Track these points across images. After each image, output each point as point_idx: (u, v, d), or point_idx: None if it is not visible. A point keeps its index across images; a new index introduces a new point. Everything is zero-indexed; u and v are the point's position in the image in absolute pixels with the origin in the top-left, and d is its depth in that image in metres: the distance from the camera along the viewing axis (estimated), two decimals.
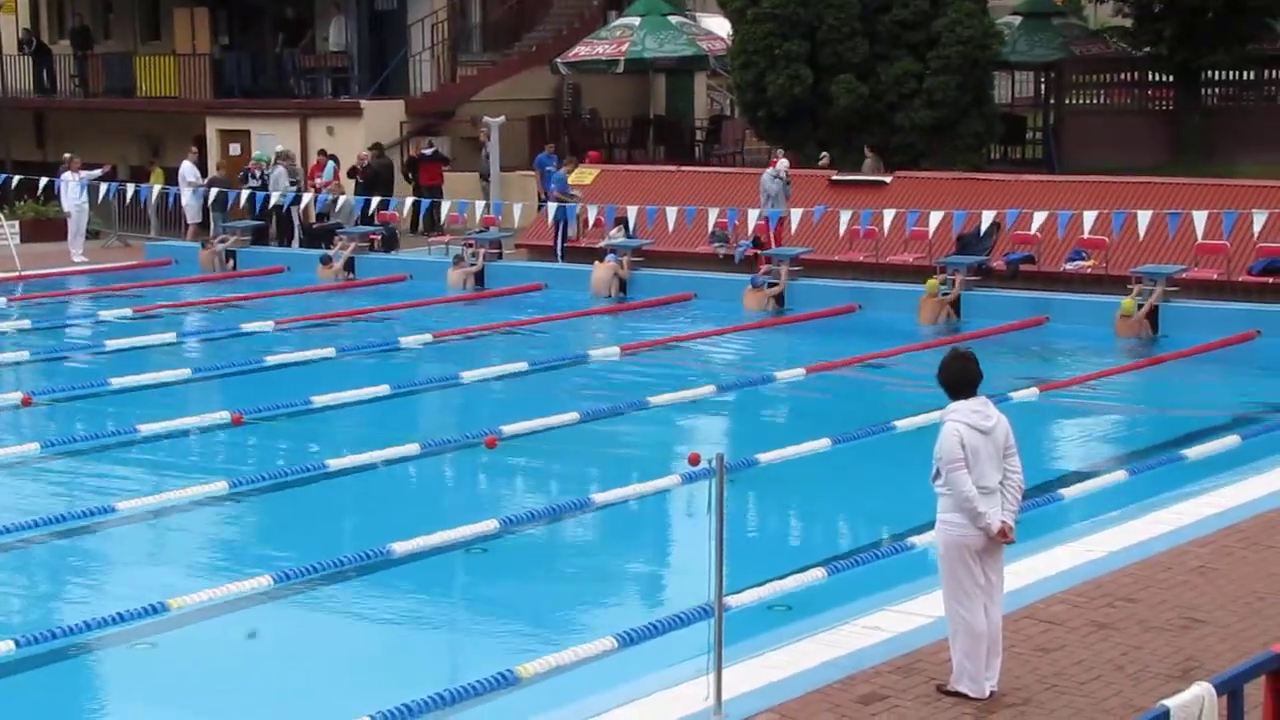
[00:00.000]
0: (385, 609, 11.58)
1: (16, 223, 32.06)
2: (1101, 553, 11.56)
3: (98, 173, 31.59)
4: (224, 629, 10.94)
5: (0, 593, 11.99)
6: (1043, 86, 38.09)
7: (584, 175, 30.13)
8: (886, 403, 17.77)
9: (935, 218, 23.94)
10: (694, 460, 13.56)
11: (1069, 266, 24.69)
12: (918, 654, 9.55)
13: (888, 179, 27.94)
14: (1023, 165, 34.37)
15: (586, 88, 38.79)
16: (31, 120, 42.52)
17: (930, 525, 9.21)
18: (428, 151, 34.09)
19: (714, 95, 43.62)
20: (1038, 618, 10.19)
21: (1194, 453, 15.08)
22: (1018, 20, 35.28)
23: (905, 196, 26.56)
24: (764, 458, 14.81)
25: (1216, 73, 34.94)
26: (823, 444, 15.39)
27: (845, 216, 24.70)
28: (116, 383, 18.66)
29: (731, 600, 9.93)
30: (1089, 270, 24.46)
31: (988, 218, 24.30)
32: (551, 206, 27.39)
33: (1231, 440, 15.59)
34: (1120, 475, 14.38)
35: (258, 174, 31.64)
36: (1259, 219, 21.96)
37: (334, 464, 14.97)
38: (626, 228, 27.11)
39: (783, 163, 27.46)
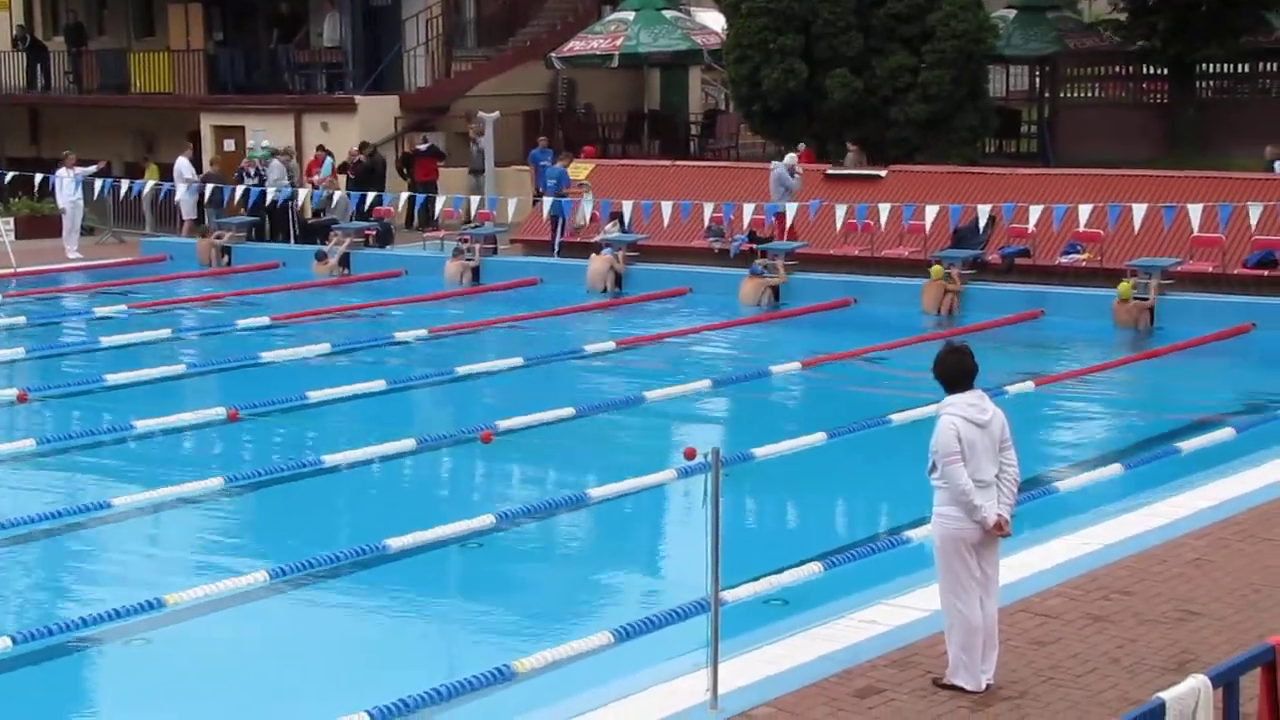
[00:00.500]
0: (381, 604, 11.57)
1: (11, 219, 31.98)
2: (1097, 545, 11.56)
3: (93, 169, 31.59)
4: (220, 625, 10.94)
5: None
6: (1037, 80, 38.11)
7: (578, 170, 30.12)
8: (882, 397, 17.77)
9: (931, 212, 23.94)
10: (689, 455, 13.64)
11: (1064, 260, 24.69)
12: (914, 648, 9.55)
13: (883, 173, 27.95)
14: (1018, 159, 34.41)
15: (581, 82, 38.78)
16: (26, 117, 42.51)
17: (926, 519, 9.22)
18: (423, 147, 34.08)
19: (709, 90, 43.62)
20: (1033, 611, 10.19)
21: (1189, 445, 15.09)
22: (1012, 14, 35.31)
23: (900, 190, 26.57)
24: (759, 452, 14.82)
25: (1211, 66, 34.97)
26: (818, 438, 15.40)
27: (841, 211, 24.71)
28: (112, 379, 18.65)
29: (727, 595, 9.93)
30: (1084, 263, 24.46)
31: (983, 211, 24.31)
32: (547, 201, 27.37)
33: (1227, 433, 15.61)
34: (1116, 468, 14.40)
35: (252, 171, 31.61)
36: (1254, 211, 21.96)
37: (329, 459, 14.97)
38: (621, 222, 27.11)
39: (790, 156, 27.49)
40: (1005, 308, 22.79)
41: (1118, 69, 36.79)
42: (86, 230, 32.17)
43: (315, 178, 32.09)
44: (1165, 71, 35.02)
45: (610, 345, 21.06)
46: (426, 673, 9.69)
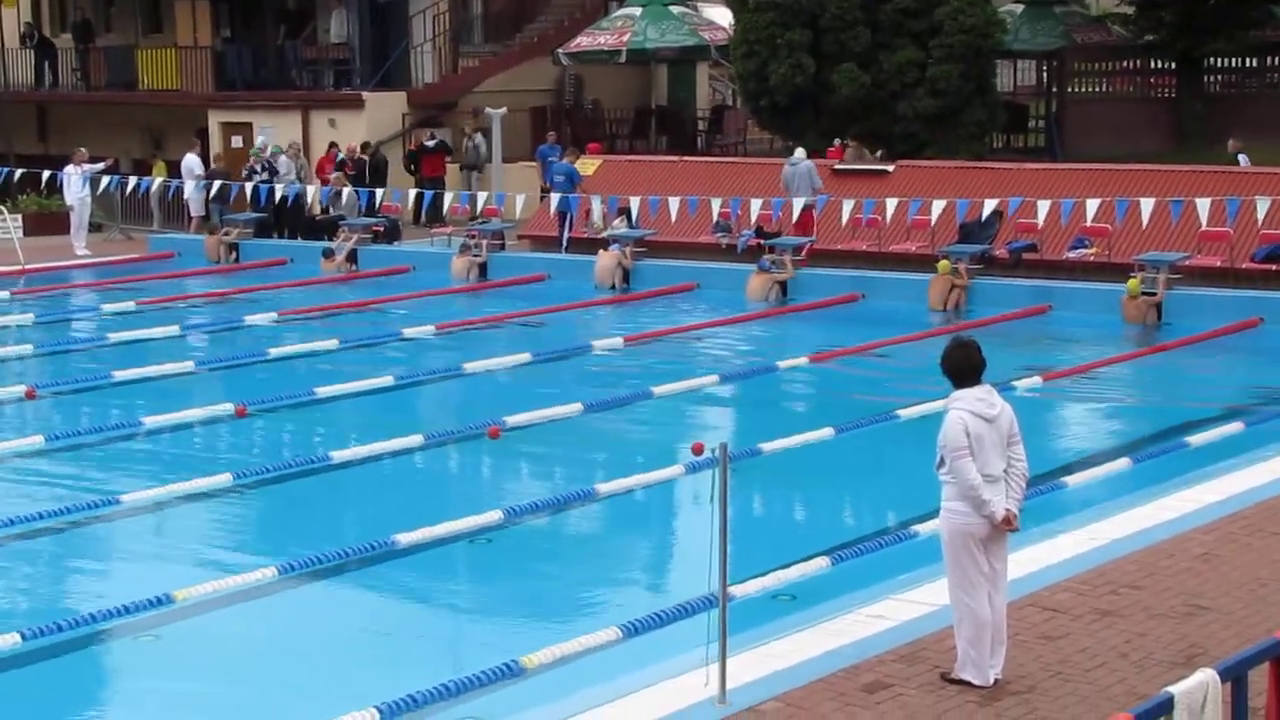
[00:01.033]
0: (389, 600, 11.59)
1: (19, 216, 32.09)
2: (1105, 540, 11.56)
3: (100, 166, 31.60)
4: (229, 621, 10.95)
5: (6, 585, 11.99)
6: (1045, 74, 38.10)
7: (586, 166, 30.13)
8: (890, 391, 17.77)
9: (938, 206, 23.94)
10: (697, 450, 13.66)
11: (1072, 254, 24.68)
12: (922, 642, 9.55)
13: (890, 168, 27.94)
14: (1025, 153, 34.39)
15: (588, 78, 38.79)
16: (33, 114, 42.54)
17: (934, 514, 9.21)
18: (430, 143, 34.11)
19: (716, 85, 43.62)
20: (1042, 605, 10.19)
21: (1197, 440, 15.07)
22: (1020, 8, 35.29)
23: (908, 185, 26.57)
24: (767, 447, 14.82)
25: (1219, 60, 34.93)
26: (826, 433, 15.40)
27: (848, 206, 24.70)
28: (120, 375, 18.67)
29: (735, 590, 9.92)
30: (1092, 258, 24.45)
31: (990, 206, 24.31)
32: (554, 197, 27.37)
33: (1235, 427, 15.58)
34: (1124, 463, 14.39)
35: (258, 168, 31.62)
36: (1262, 206, 21.94)
37: (338, 455, 14.99)
38: (629, 218, 27.13)
39: (799, 152, 27.49)
40: (1013, 303, 22.77)
41: (1125, 63, 36.76)
42: (94, 227, 32.21)
43: (330, 176, 32.08)
44: (1173, 66, 35.00)
45: (618, 341, 21.07)
46: (435, 668, 9.71)
